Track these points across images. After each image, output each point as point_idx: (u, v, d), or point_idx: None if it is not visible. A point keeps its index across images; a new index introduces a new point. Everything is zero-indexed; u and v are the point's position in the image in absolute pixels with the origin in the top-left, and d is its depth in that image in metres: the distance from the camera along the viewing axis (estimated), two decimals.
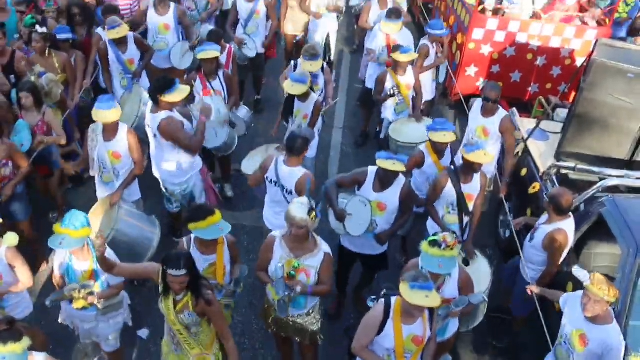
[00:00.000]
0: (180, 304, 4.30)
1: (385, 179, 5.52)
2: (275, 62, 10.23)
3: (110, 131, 5.83)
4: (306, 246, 4.73)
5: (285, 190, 5.60)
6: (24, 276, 4.92)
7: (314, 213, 4.59)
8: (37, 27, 7.13)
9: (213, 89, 7.07)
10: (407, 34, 8.39)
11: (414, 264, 4.82)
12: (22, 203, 6.19)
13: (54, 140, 6.61)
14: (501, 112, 6.67)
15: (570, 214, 5.53)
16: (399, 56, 7.36)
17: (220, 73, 7.15)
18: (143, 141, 6.38)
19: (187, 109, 6.37)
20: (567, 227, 5.48)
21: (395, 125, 7.42)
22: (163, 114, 5.92)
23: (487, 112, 6.65)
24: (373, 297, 5.45)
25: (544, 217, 5.66)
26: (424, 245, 4.57)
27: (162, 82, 5.96)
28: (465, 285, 4.86)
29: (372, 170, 5.62)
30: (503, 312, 6.22)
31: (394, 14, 8.14)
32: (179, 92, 5.92)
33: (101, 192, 6.19)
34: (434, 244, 4.52)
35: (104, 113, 5.68)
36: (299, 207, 4.57)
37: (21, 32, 7.71)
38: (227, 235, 4.80)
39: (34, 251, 6.42)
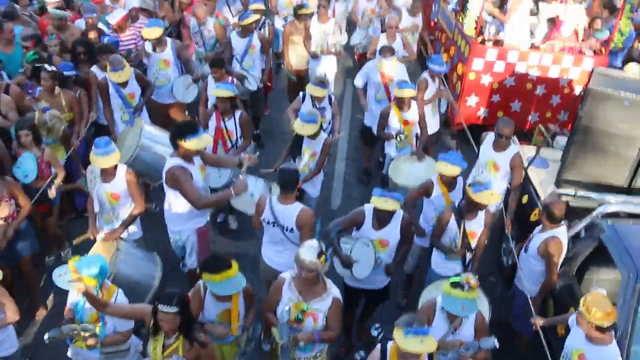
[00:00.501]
0: (169, 349, 4.22)
1: (382, 217, 5.53)
2: (274, 94, 10.37)
3: (108, 173, 5.81)
4: (315, 289, 4.70)
5: (285, 229, 5.49)
6: (9, 311, 4.88)
7: (323, 256, 4.57)
8: (46, 65, 7.18)
9: (226, 128, 7.05)
10: (402, 69, 8.46)
11: (429, 307, 4.86)
12: (26, 241, 6.18)
13: (58, 181, 6.62)
14: (513, 148, 6.78)
15: (563, 222, 5.71)
16: (398, 92, 7.38)
17: (237, 114, 7.08)
18: (146, 175, 6.45)
19: (215, 157, 6.28)
20: (561, 234, 5.66)
21: (396, 163, 7.38)
22: (175, 161, 5.74)
23: (499, 147, 6.75)
24: (377, 325, 5.49)
25: (538, 227, 5.83)
26: (446, 287, 4.59)
27: (184, 127, 5.77)
28: (481, 328, 4.86)
29: (368, 208, 5.62)
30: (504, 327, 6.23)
31: (388, 51, 8.20)
32: (200, 140, 5.71)
33: (101, 233, 6.10)
34: (457, 285, 4.53)
35: (101, 159, 5.67)
36: (309, 250, 4.55)
37: (25, 67, 7.80)
38: None
39: (30, 289, 6.46)
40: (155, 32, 8.06)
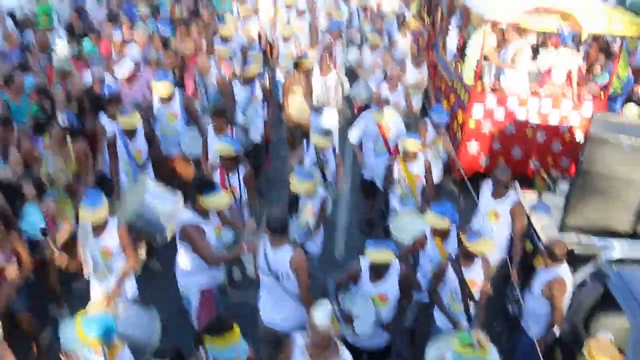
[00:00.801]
0: None
1: (379, 269, 5.42)
2: (275, 143, 10.49)
3: (99, 227, 5.74)
4: (327, 354, 4.58)
5: (280, 275, 5.39)
6: None
7: (336, 319, 4.49)
8: (59, 115, 7.28)
9: (230, 183, 6.99)
10: (398, 118, 8.48)
11: None
12: (19, 296, 6.05)
13: (63, 235, 6.57)
14: (512, 195, 6.76)
15: (565, 261, 5.73)
16: (404, 142, 7.31)
17: (242, 169, 7.03)
18: (148, 232, 6.41)
19: (228, 218, 6.25)
20: (564, 273, 5.67)
21: (399, 218, 7.27)
22: (190, 216, 5.77)
23: (497, 195, 6.73)
24: None
25: (541, 266, 5.87)
26: (457, 346, 4.49)
27: (204, 184, 5.85)
28: None
29: (364, 261, 5.51)
30: None
31: (384, 102, 8.24)
32: (218, 199, 5.79)
33: (95, 291, 6.03)
34: (467, 344, 4.44)
35: (90, 213, 5.61)
36: (322, 313, 4.46)
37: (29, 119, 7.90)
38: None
39: (31, 343, 6.33)
40: (166, 87, 8.13)
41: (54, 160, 6.93)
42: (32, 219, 6.29)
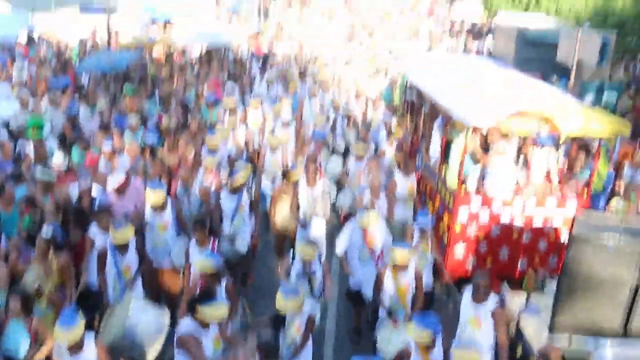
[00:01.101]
0: None
1: None
2: (262, 250, 10.48)
3: (75, 346, 5.65)
4: None
5: None
6: None
7: None
8: (44, 229, 7.27)
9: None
10: (382, 225, 8.53)
11: None
12: None
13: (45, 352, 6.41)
14: (493, 299, 6.71)
15: None
16: (394, 253, 7.23)
17: (224, 282, 6.99)
18: (131, 350, 6.30)
19: (227, 334, 6.26)
20: None
21: (386, 330, 7.17)
22: (188, 324, 5.88)
23: (478, 299, 6.69)
24: None
25: None
26: None
27: (203, 294, 6.04)
28: None
29: None
30: None
31: (368, 207, 8.35)
32: (217, 309, 5.89)
33: None
34: None
35: (65, 334, 5.55)
36: None
37: (20, 231, 7.88)
38: None
39: None
40: (158, 196, 8.19)
41: (34, 271, 6.87)
42: (16, 337, 6.20)
